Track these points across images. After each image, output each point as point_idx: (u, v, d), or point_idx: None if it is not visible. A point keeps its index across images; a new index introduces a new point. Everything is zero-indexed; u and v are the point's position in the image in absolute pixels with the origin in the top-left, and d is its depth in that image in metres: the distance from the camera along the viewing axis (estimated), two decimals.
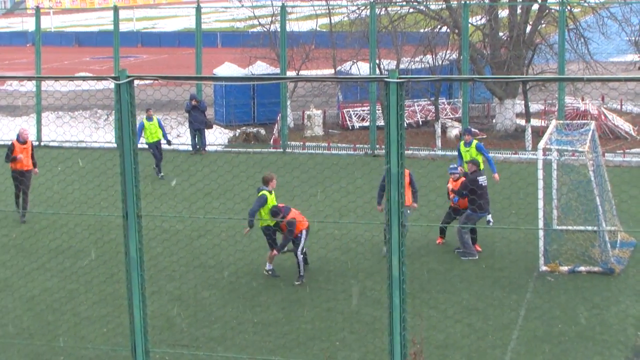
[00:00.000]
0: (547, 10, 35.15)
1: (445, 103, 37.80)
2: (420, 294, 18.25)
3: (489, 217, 22.55)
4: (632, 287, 18.63)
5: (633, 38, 35.94)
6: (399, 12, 36.05)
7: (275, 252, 19.57)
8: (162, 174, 28.48)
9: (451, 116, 37.03)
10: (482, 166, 22.47)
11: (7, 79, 49.17)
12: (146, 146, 28.68)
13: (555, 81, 33.13)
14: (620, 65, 41.13)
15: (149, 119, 28.86)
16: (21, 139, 23.92)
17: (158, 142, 28.99)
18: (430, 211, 23.33)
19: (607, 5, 36.09)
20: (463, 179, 21.05)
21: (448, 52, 34.96)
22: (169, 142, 29.62)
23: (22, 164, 23.65)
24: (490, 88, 34.97)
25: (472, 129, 26.11)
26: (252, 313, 17.55)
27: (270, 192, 19.59)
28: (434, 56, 34.73)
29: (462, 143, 23.91)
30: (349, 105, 37.75)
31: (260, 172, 26.96)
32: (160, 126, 29.25)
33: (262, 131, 35.94)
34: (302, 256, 19.34)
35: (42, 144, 33.90)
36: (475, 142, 23.70)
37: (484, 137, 34.12)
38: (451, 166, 21.68)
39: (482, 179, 20.79)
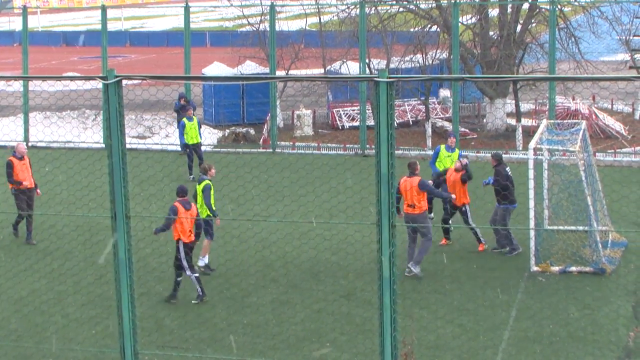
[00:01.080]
0: (537, 10, 35.09)
1: (436, 103, 37.72)
2: (411, 294, 18.22)
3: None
4: (623, 287, 18.63)
5: (624, 37, 35.91)
6: (389, 11, 35.96)
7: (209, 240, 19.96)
8: (192, 176, 28.15)
9: (442, 116, 36.95)
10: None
11: None
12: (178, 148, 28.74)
13: (545, 80, 33.04)
14: (611, 64, 41.15)
15: (190, 118, 28.56)
16: (18, 155, 22.17)
17: (198, 145, 28.67)
18: None
19: (597, 5, 36.07)
20: (463, 171, 21.06)
21: (438, 51, 34.88)
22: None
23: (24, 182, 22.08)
24: (480, 87, 34.90)
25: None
26: (242, 314, 17.51)
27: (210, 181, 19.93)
28: (424, 55, 34.66)
29: (443, 147, 23.62)
30: (339, 105, 37.65)
31: (249, 173, 26.98)
32: (199, 127, 28.91)
33: (252, 131, 35.80)
34: (196, 275, 18.27)
35: (30, 144, 33.66)
36: (457, 150, 23.53)
37: (475, 137, 34.08)
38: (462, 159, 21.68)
39: (508, 169, 20.81)
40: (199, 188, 19.92)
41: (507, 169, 20.91)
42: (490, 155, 21.93)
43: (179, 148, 32.48)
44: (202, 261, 20.05)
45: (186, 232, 18.04)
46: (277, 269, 19.82)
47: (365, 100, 32.95)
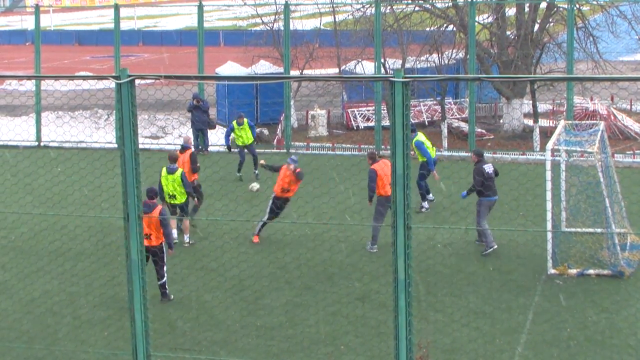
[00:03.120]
0: (555, 9, 34.89)
1: (452, 103, 37.53)
2: (426, 297, 18.07)
3: (425, 203, 24.08)
4: None
5: None
6: (405, 10, 35.85)
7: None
8: (240, 174, 28.35)
9: (458, 116, 36.75)
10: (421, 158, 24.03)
11: (7, 78, 48.91)
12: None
13: (563, 81, 32.82)
14: (630, 64, 40.94)
15: (240, 124, 28.50)
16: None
17: (251, 145, 28.67)
18: (437, 213, 23.14)
19: (616, 4, 35.85)
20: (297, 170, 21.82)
21: (454, 51, 34.70)
22: (255, 141, 29.39)
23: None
24: (497, 88, 34.69)
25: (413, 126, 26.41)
26: (255, 316, 17.39)
27: None
28: (440, 55, 34.47)
29: (235, 122, 27.04)
30: (354, 105, 37.50)
31: (262, 173, 26.80)
32: (252, 129, 28.84)
33: (266, 131, 35.68)
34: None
35: (42, 144, 33.69)
36: (415, 138, 24.00)
37: (492, 137, 33.86)
38: (292, 157, 22.36)
39: (487, 167, 21.05)
40: (177, 176, 21.25)
41: (487, 166, 21.13)
42: (472, 154, 22.12)
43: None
44: (187, 237, 21.63)
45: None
46: (291, 271, 19.68)
47: (381, 100, 32.77)
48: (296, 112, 36.92)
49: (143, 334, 12.08)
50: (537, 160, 28.97)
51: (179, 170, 21.35)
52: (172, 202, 21.40)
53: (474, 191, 20.89)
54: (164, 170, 21.40)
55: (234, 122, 28.60)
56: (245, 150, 28.54)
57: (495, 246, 20.69)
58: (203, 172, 27.75)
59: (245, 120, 28.64)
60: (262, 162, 23.13)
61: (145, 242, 17.53)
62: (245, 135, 28.50)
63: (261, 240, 21.21)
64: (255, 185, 23.52)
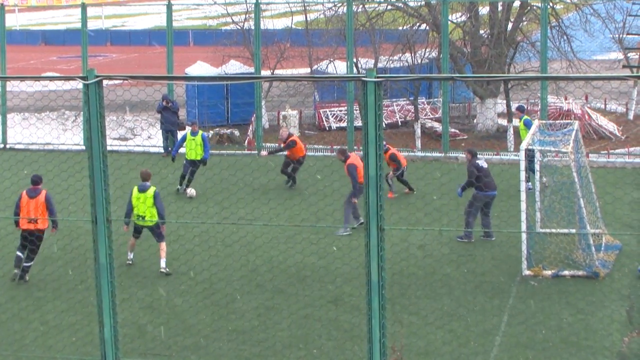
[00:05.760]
0: (528, 7, 35.00)
1: (425, 103, 37.46)
2: (400, 299, 17.96)
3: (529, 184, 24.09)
4: (617, 292, 18.39)
5: (617, 35, 35.78)
6: (377, 9, 35.77)
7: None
8: (182, 187, 26.41)
9: (431, 116, 36.69)
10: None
11: None
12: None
13: (537, 80, 32.83)
14: (604, 63, 41.03)
15: (194, 133, 26.51)
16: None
17: (196, 161, 26.46)
18: (410, 214, 23.02)
19: (590, 2, 35.96)
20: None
21: (427, 50, 34.65)
22: (204, 163, 26.60)
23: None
24: (471, 87, 34.63)
25: (524, 106, 28.66)
26: (227, 320, 17.22)
27: None
28: (413, 54, 34.39)
29: (188, 132, 26.45)
30: (326, 105, 37.37)
31: (234, 175, 26.61)
32: (205, 144, 26.51)
33: (236, 132, 35.47)
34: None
35: (8, 146, 33.36)
36: (524, 117, 26.05)
37: (465, 137, 33.81)
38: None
39: (480, 162, 21.53)
40: (149, 195, 19.76)
41: (479, 161, 21.52)
42: (465, 151, 22.70)
43: (161, 150, 32.11)
44: (163, 262, 19.76)
45: (24, 219, 19.02)
46: (262, 274, 19.51)
47: (353, 100, 32.63)
48: (267, 113, 36.77)
49: (112, 339, 12.02)
50: (511, 161, 28.92)
51: (152, 189, 19.76)
52: (139, 223, 19.87)
53: (469, 187, 21.24)
54: (135, 189, 20.17)
55: (188, 132, 26.78)
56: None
57: (472, 240, 21.15)
58: (172, 175, 27.52)
59: (200, 132, 26.78)
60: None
61: (31, 226, 19.02)
62: (193, 147, 26.42)
63: (231, 243, 20.96)
64: (191, 191, 25.27)
